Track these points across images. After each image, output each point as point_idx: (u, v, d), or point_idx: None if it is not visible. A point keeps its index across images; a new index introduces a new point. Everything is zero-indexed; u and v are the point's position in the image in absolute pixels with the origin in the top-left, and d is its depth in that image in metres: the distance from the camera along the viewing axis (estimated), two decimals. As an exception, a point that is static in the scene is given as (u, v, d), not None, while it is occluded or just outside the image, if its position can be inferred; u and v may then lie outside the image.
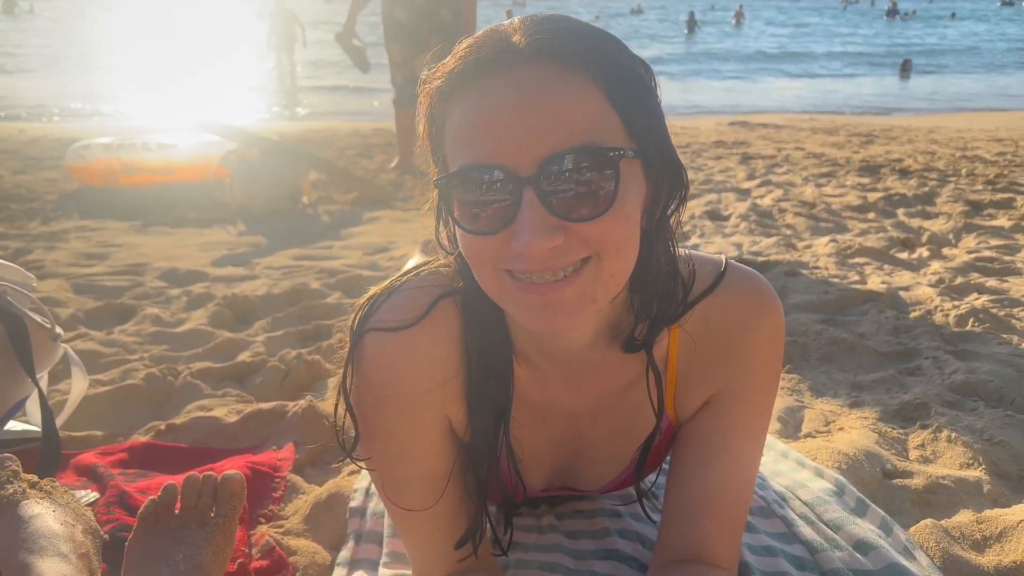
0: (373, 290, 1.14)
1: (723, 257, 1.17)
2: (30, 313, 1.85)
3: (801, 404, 2.23)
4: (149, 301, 3.25)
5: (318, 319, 2.97)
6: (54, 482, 1.38)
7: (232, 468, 1.85)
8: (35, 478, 1.35)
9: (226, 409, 2.18)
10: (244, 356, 2.59)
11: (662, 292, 1.07)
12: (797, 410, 2.19)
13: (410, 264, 3.13)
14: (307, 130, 9.25)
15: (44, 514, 1.23)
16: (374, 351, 1.08)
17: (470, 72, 0.90)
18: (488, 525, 1.21)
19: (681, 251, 1.13)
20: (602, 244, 0.89)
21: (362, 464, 1.15)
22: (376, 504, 1.69)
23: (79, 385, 2.01)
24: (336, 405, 1.13)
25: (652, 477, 1.62)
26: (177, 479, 1.85)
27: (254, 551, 1.58)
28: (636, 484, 1.28)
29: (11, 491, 1.25)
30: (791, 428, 2.10)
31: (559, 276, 0.90)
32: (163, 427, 2.07)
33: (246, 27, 21.49)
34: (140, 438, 2.05)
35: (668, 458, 1.32)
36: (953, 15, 44.73)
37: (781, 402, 2.23)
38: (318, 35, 20.38)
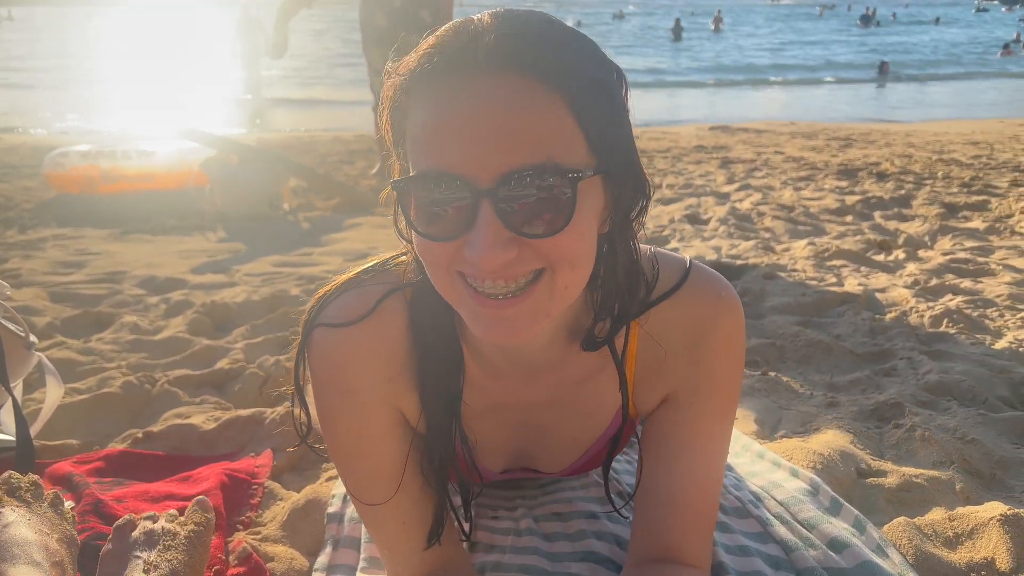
0: (327, 287, 1.15)
1: (687, 258, 1.18)
2: (3, 322, 1.84)
3: (778, 405, 2.25)
4: (127, 309, 3.23)
5: (297, 326, 2.94)
6: (38, 485, 1.37)
7: (209, 475, 1.86)
8: (19, 479, 1.34)
9: (204, 416, 2.17)
10: (223, 363, 2.58)
11: (623, 291, 1.08)
12: (774, 411, 2.21)
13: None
14: (288, 137, 9.23)
15: (18, 522, 1.23)
16: (321, 346, 1.11)
17: (435, 72, 0.88)
18: (452, 515, 1.24)
19: (646, 249, 1.15)
20: (556, 259, 0.90)
21: (323, 454, 1.19)
22: (354, 510, 1.69)
23: (54, 394, 1.99)
24: (292, 398, 1.16)
25: (617, 466, 1.68)
26: (154, 487, 1.85)
27: (231, 558, 1.57)
28: (604, 478, 1.30)
29: (-17, 500, 1.24)
30: (767, 429, 2.12)
31: (511, 288, 0.90)
32: (140, 435, 2.06)
33: (220, 35, 21.32)
34: (117, 446, 2.04)
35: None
36: (938, 20, 45.21)
37: (758, 403, 2.25)
38: (297, 41, 20.27)
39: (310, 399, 1.18)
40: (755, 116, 12.78)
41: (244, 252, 4.41)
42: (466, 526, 1.31)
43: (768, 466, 1.83)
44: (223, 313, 3.12)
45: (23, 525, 1.22)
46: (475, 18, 0.90)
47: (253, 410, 2.16)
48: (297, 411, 1.17)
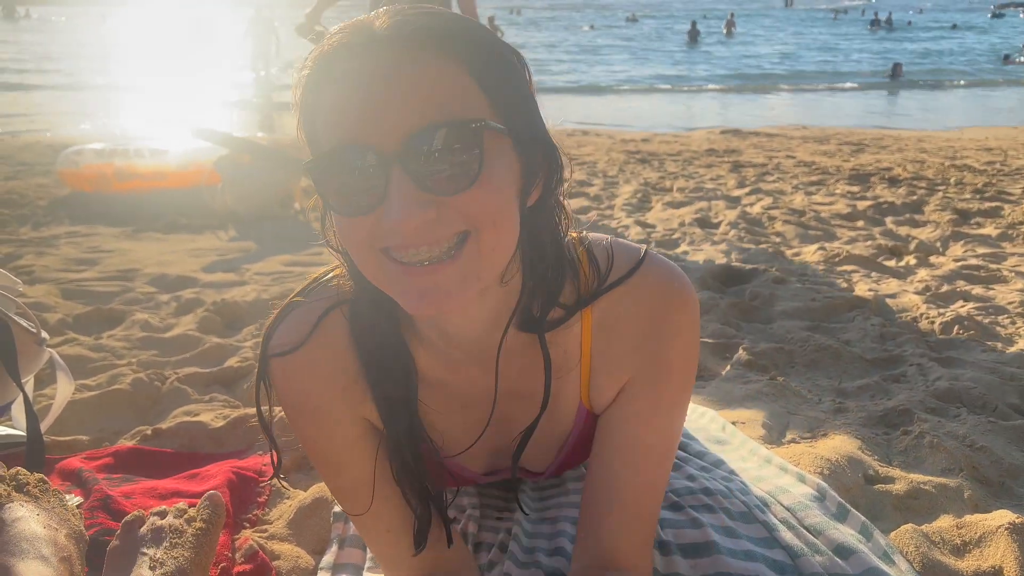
0: (274, 313, 1.18)
1: (643, 248, 1.18)
2: (15, 317, 1.85)
3: (786, 410, 2.24)
4: (138, 307, 3.25)
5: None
6: (45, 482, 1.38)
7: (217, 473, 1.87)
8: (27, 476, 1.35)
9: (213, 414, 2.18)
10: (232, 361, 2.59)
11: (550, 274, 1.08)
12: (781, 416, 2.20)
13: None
14: (298, 138, 9.26)
15: (27, 517, 1.24)
16: (278, 375, 1.16)
17: (335, 57, 0.91)
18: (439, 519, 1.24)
19: (604, 238, 1.16)
20: (477, 217, 0.90)
21: (286, 485, 1.21)
22: (360, 509, 1.70)
23: (64, 390, 2.01)
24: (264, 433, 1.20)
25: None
26: (162, 484, 1.86)
27: (237, 555, 1.58)
28: (513, 469, 1.28)
29: (-7, 494, 1.25)
30: (775, 434, 2.11)
31: (436, 254, 0.91)
32: (149, 432, 2.07)
33: (232, 35, 21.35)
34: (126, 443, 2.05)
35: None
36: (954, 26, 44.89)
37: (765, 408, 2.24)
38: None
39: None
40: (767, 120, 12.74)
41: (255, 251, 4.43)
42: (444, 530, 1.29)
43: (775, 471, 1.83)
44: (233, 312, 3.14)
45: (32, 520, 1.24)
46: (371, 13, 0.94)
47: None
48: (267, 439, 1.21)
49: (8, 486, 1.29)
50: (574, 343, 1.17)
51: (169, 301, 3.33)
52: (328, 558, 1.58)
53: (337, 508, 1.72)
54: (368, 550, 1.56)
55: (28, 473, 1.36)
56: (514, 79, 0.95)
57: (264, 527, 1.72)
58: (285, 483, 1.29)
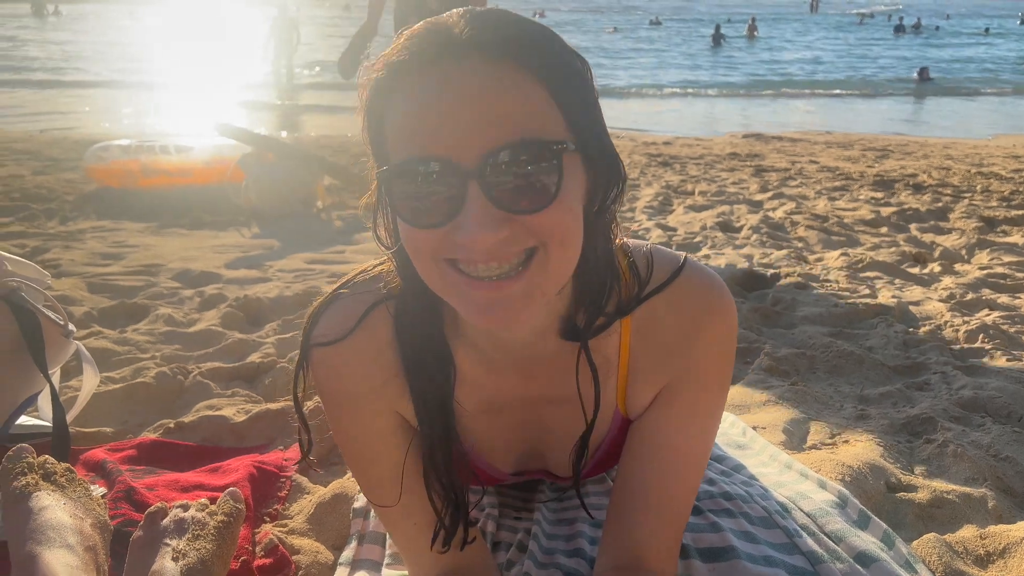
0: (317, 301, 1.19)
1: (682, 255, 1.18)
2: (44, 310, 1.88)
3: (807, 416, 2.23)
4: (162, 301, 3.29)
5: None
6: (71, 472, 1.41)
7: (239, 467, 1.88)
8: (54, 465, 1.38)
9: (235, 409, 2.20)
10: (254, 357, 2.62)
11: (598, 283, 1.08)
12: (802, 422, 2.19)
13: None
14: (321, 136, 9.32)
15: (54, 506, 1.26)
16: (319, 364, 1.16)
17: (412, 64, 0.90)
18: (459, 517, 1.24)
19: (643, 245, 1.16)
20: (547, 235, 0.90)
21: (318, 468, 1.21)
22: (379, 506, 1.71)
23: (90, 382, 2.03)
24: (297, 419, 1.21)
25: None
26: (184, 477, 1.88)
27: (258, 549, 1.59)
28: (575, 478, 1.27)
29: (23, 483, 1.27)
30: (796, 440, 2.10)
31: (504, 270, 0.90)
32: (172, 425, 2.10)
33: (256, 34, 21.48)
34: (149, 435, 2.08)
35: None
36: (987, 31, 44.19)
37: (786, 413, 2.23)
38: (334, 42, 20.43)
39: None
40: (790, 125, 12.65)
41: (277, 248, 4.47)
42: (466, 528, 1.31)
43: (796, 477, 1.81)
44: (256, 308, 3.16)
45: (58, 509, 1.26)
46: (444, 15, 0.93)
47: (283, 404, 2.20)
48: (303, 433, 1.22)
49: (36, 475, 1.31)
50: (612, 349, 1.17)
51: (192, 296, 3.37)
52: (347, 553, 1.59)
53: (357, 504, 1.73)
54: (387, 546, 1.57)
55: (56, 462, 1.38)
56: (586, 93, 0.95)
57: (284, 522, 1.73)
58: (316, 468, 1.30)
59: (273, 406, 2.18)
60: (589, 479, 1.64)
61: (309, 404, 2.16)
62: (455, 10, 0.93)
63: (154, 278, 3.69)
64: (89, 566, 1.19)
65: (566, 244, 0.92)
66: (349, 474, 1.92)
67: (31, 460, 1.35)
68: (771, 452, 1.95)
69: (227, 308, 3.11)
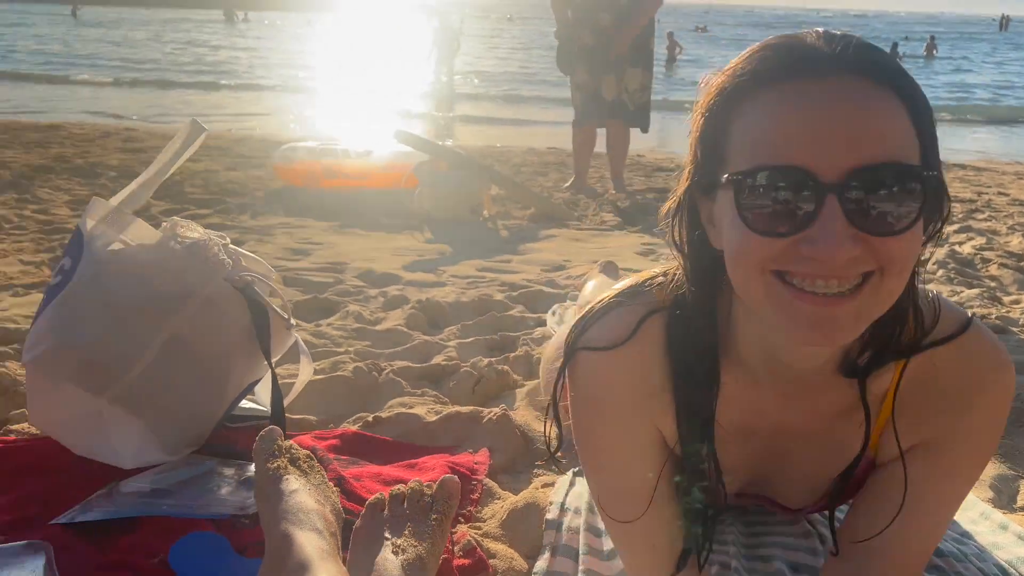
0: (586, 309, 1.21)
1: (969, 311, 1.15)
2: (271, 303, 2.05)
3: (1016, 474, 2.08)
4: (350, 298, 3.49)
5: (504, 330, 3.08)
6: (312, 459, 1.52)
7: (435, 465, 1.97)
8: (298, 451, 1.49)
9: (426, 408, 2.31)
10: (438, 359, 2.73)
11: (899, 322, 1.06)
12: (1012, 480, 2.04)
13: (590, 285, 3.11)
14: (484, 146, 9.57)
15: (302, 490, 1.36)
16: (585, 369, 1.17)
17: (772, 74, 0.91)
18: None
19: (929, 291, 1.13)
20: (889, 261, 0.89)
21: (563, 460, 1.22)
22: (571, 520, 1.73)
23: (305, 372, 2.19)
24: (546, 415, 1.23)
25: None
26: (385, 470, 1.99)
27: (456, 549, 1.66)
28: (831, 512, 1.27)
29: (276, 464, 1.39)
30: (1005, 499, 1.97)
31: (841, 289, 0.90)
32: (370, 419, 2.22)
33: (422, 44, 22.32)
34: (350, 427, 2.21)
35: None
36: None
37: (993, 469, 2.09)
38: (500, 52, 20.83)
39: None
40: (974, 153, 11.77)
41: (449, 254, 4.63)
42: (708, 553, 1.32)
43: (1012, 539, 1.70)
44: (436, 311, 3.30)
45: (305, 494, 1.36)
46: (799, 33, 0.94)
47: (471, 408, 2.28)
48: (550, 428, 1.25)
49: (284, 459, 1.43)
50: (880, 391, 1.15)
51: (377, 296, 3.55)
52: (541, 564, 1.62)
53: (549, 515, 1.77)
54: (580, 561, 1.59)
55: (299, 448, 1.50)
56: (933, 122, 0.95)
57: (478, 524, 1.80)
58: (560, 457, 1.33)
59: (462, 409, 2.26)
60: (811, 511, 1.61)
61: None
62: (810, 31, 0.94)
63: (340, 275, 3.92)
64: (334, 551, 1.28)
65: (903, 273, 0.92)
66: (536, 484, 1.96)
67: (280, 443, 1.47)
68: (981, 509, 1.84)
69: (410, 310, 3.26)
